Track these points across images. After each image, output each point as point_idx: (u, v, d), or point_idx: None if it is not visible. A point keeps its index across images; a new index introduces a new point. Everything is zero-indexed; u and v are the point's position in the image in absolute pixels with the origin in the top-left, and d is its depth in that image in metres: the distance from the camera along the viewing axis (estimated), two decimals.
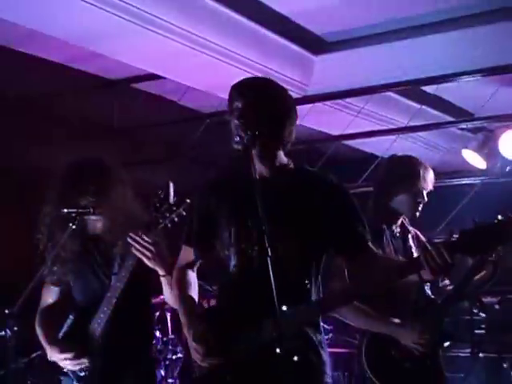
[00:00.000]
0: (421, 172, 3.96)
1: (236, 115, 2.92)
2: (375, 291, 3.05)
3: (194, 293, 3.13)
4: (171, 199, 3.32)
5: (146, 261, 3.37)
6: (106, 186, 3.56)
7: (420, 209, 3.97)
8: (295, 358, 2.75)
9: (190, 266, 3.17)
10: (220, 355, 2.85)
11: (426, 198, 3.97)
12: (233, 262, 2.97)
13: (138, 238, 3.35)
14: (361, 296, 3.19)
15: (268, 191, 2.80)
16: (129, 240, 3.37)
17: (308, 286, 2.96)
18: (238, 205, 2.95)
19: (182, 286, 3.12)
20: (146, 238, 3.34)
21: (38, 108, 6.37)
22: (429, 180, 3.98)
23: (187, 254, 3.17)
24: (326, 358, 2.98)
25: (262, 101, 2.93)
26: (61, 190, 3.60)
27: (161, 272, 3.43)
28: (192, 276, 3.17)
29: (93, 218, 3.58)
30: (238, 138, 2.84)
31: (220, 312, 3.05)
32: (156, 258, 3.36)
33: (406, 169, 3.99)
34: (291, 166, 3.06)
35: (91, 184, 3.55)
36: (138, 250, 3.36)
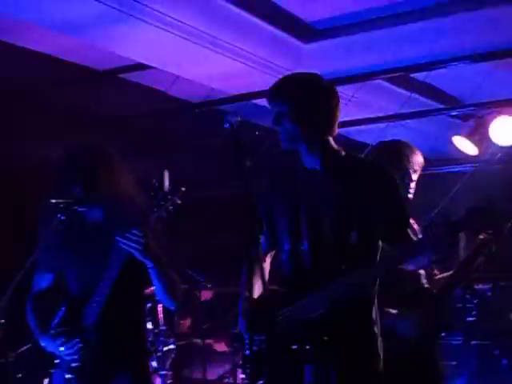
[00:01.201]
0: (406, 153, 3.98)
1: (281, 115, 3.16)
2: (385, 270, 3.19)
3: (262, 279, 3.30)
4: (166, 188, 3.30)
5: (134, 253, 3.36)
6: (95, 174, 3.54)
7: (411, 191, 3.98)
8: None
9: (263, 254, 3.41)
10: (262, 331, 3.12)
11: (413, 180, 3.98)
12: (285, 248, 3.27)
13: (126, 235, 3.34)
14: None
15: (319, 182, 3.16)
16: (117, 238, 3.37)
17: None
18: (291, 198, 3.25)
19: (249, 273, 3.26)
20: (136, 232, 3.32)
21: (25, 99, 6.31)
22: (415, 162, 4.00)
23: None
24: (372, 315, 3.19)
25: (301, 96, 3.14)
26: (53, 179, 3.60)
27: (149, 264, 3.42)
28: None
29: (84, 207, 3.55)
30: (285, 135, 3.16)
31: (274, 295, 3.25)
32: (144, 251, 3.35)
33: (391, 151, 4.02)
34: (342, 153, 3.25)
35: (80, 173, 3.52)
36: (125, 243, 3.35)
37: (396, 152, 4.00)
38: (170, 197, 3.29)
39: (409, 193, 3.99)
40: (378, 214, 3.11)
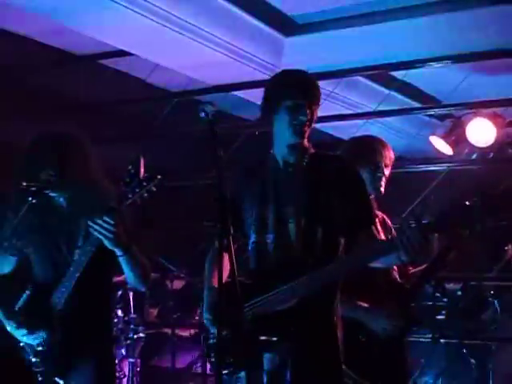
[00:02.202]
0: (378, 147, 4.01)
1: (295, 109, 3.22)
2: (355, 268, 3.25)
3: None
4: (141, 175, 3.28)
5: (104, 241, 3.35)
6: (67, 159, 3.50)
7: (382, 184, 3.99)
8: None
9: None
10: (227, 325, 3.08)
11: (384, 174, 4.00)
12: (251, 240, 3.32)
13: (98, 221, 3.30)
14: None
15: (290, 177, 3.25)
16: (89, 223, 3.33)
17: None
18: (260, 189, 3.32)
19: (210, 266, 3.41)
20: (108, 220, 3.31)
21: (2, 82, 6.26)
22: (387, 156, 4.02)
23: None
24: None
25: (313, 91, 3.30)
26: (23, 163, 3.55)
27: (118, 252, 3.41)
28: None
29: (54, 192, 3.53)
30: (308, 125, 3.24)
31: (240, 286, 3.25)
32: (114, 240, 3.34)
33: (362, 146, 4.05)
34: (312, 150, 3.34)
35: (51, 158, 3.48)
36: (97, 230, 3.32)
37: (368, 146, 4.03)
38: (144, 184, 3.27)
39: (380, 186, 4.01)
40: (343, 210, 3.18)
